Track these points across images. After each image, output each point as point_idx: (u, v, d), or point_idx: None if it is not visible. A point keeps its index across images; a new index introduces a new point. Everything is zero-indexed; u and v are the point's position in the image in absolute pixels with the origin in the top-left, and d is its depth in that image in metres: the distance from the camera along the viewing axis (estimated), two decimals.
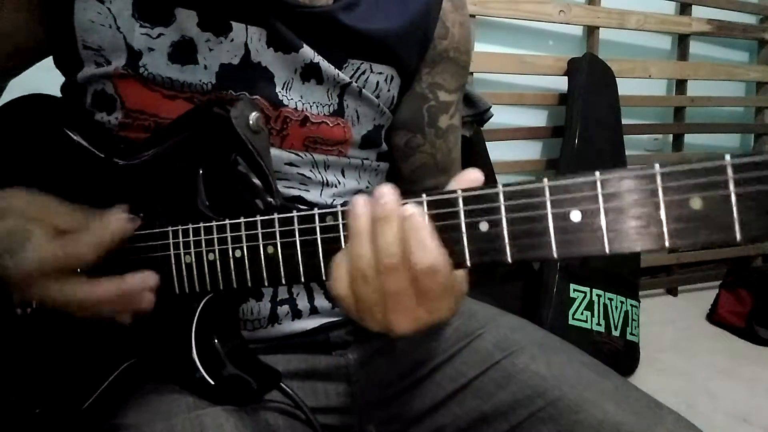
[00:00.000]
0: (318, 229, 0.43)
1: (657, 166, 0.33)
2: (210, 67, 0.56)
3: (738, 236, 0.31)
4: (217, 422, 0.49)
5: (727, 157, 0.31)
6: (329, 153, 0.63)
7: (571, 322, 1.50)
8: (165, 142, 0.53)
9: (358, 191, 0.66)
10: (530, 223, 0.36)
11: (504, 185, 0.37)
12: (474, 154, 1.44)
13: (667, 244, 0.33)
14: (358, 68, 0.62)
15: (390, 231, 0.38)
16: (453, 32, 0.67)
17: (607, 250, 0.34)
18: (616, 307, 1.60)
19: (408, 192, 0.40)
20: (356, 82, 0.62)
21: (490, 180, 1.64)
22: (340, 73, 0.60)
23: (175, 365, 0.52)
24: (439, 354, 0.62)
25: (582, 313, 1.53)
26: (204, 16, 0.55)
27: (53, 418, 0.54)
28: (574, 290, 1.52)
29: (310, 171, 0.62)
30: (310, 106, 0.60)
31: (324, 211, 0.43)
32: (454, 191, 0.38)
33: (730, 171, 0.31)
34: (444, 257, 0.38)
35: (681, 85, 2.05)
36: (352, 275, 0.39)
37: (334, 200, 0.64)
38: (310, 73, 0.60)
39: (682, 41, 2.04)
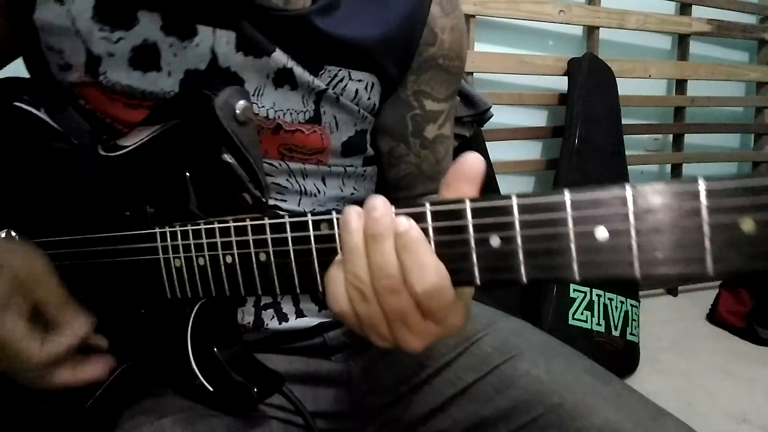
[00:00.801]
0: (312, 238, 0.40)
1: (701, 181, 0.29)
2: (174, 74, 0.54)
3: None
4: (210, 428, 0.48)
5: None
6: (307, 162, 0.60)
7: (571, 322, 1.50)
8: (148, 132, 0.51)
9: (341, 199, 0.63)
10: (549, 240, 0.32)
11: (519, 196, 0.33)
12: None
13: (710, 271, 0.29)
14: (336, 75, 0.58)
15: (384, 249, 0.35)
16: (442, 38, 0.63)
17: (637, 275, 0.31)
18: (616, 307, 1.60)
19: (405, 199, 0.37)
20: (333, 89, 0.58)
21: (490, 181, 1.62)
22: (315, 79, 0.57)
23: (172, 372, 0.50)
24: (439, 358, 0.62)
25: (582, 313, 1.53)
26: (168, 19, 0.52)
27: (57, 414, 0.54)
28: (574, 290, 1.52)
29: (287, 180, 0.59)
30: (284, 114, 0.57)
31: (318, 217, 0.40)
32: (462, 201, 0.34)
33: None
34: (446, 276, 0.35)
35: (681, 85, 2.04)
36: (350, 293, 0.37)
37: (314, 209, 0.61)
38: (283, 79, 0.56)
39: (682, 41, 2.04)
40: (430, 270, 0.34)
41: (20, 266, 0.47)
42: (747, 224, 0.28)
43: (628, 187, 0.30)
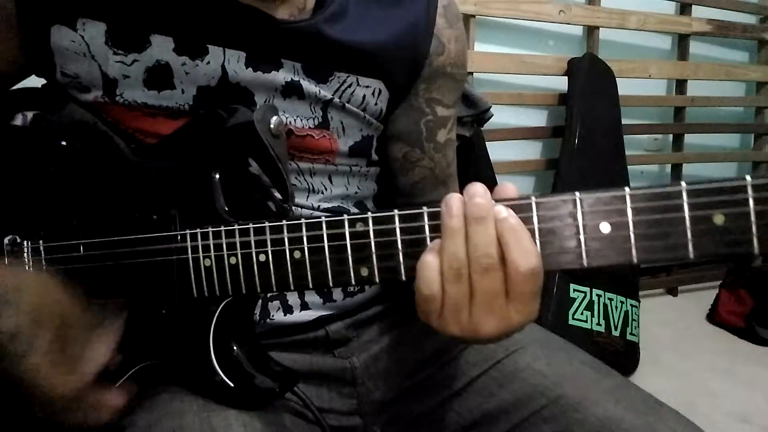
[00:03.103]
0: (348, 234, 0.43)
1: (683, 183, 0.35)
2: (187, 91, 0.55)
3: (756, 250, 0.34)
4: (226, 422, 0.49)
5: (748, 177, 0.34)
6: (315, 161, 0.62)
7: (571, 322, 1.50)
8: (180, 142, 0.53)
9: (346, 197, 0.66)
10: (563, 234, 0.39)
11: (536, 196, 0.39)
12: (474, 154, 1.44)
13: (692, 256, 0.35)
14: (344, 81, 0.60)
15: (486, 231, 0.38)
16: (449, 48, 0.67)
17: (635, 261, 0.37)
18: (616, 307, 1.60)
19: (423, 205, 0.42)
20: (340, 97, 0.61)
21: (490, 181, 1.63)
22: (321, 90, 0.59)
23: (192, 369, 0.52)
24: (443, 354, 0.63)
25: (582, 313, 1.53)
26: (180, 41, 0.54)
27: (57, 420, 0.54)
28: (574, 290, 1.52)
29: (296, 179, 0.61)
30: (294, 120, 0.59)
31: (353, 216, 0.43)
32: (528, 197, 0.39)
33: (750, 190, 0.34)
34: (541, 260, 0.39)
35: (681, 85, 2.05)
36: (445, 274, 0.39)
37: (320, 205, 0.63)
38: (291, 91, 0.58)
39: (682, 41, 2.04)
40: (532, 252, 0.38)
41: (40, 296, 0.47)
42: (718, 218, 0.35)
43: (626, 189, 0.37)
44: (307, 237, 0.45)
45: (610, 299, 1.59)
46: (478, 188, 0.39)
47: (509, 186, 0.41)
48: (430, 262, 0.40)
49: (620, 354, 1.57)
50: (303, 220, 0.45)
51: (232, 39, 0.55)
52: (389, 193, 0.73)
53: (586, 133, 1.69)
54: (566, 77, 1.76)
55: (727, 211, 0.34)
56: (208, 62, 0.55)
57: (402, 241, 0.42)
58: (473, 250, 0.39)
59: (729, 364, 1.64)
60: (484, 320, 0.40)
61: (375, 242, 0.43)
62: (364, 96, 0.62)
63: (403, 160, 0.70)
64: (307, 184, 0.62)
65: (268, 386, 0.50)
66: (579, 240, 0.38)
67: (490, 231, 0.38)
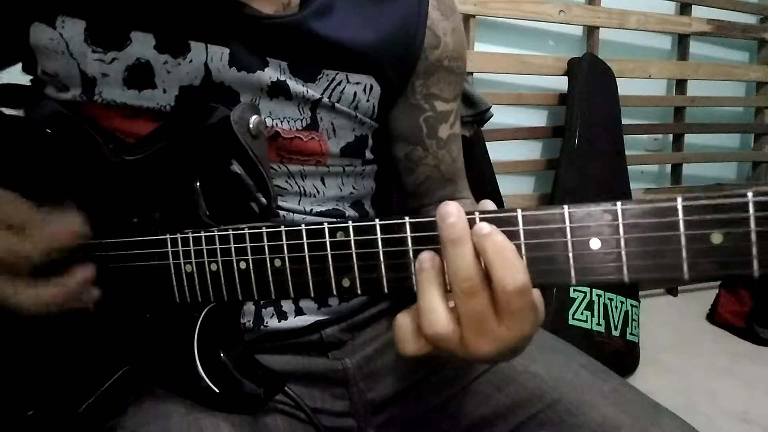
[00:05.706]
0: (328, 245, 0.42)
1: (679, 199, 0.33)
2: (169, 90, 0.54)
3: (756, 272, 0.32)
4: (214, 423, 0.48)
5: (750, 194, 0.31)
6: (306, 163, 0.60)
7: (571, 322, 1.50)
8: (158, 142, 0.52)
9: (341, 198, 0.64)
10: (550, 250, 0.36)
11: (523, 209, 0.37)
12: (474, 155, 1.44)
13: (686, 277, 0.33)
14: (333, 79, 0.58)
15: (465, 253, 0.36)
16: (445, 41, 0.64)
17: (626, 280, 0.35)
18: (616, 307, 1.60)
19: (426, 207, 0.39)
20: (330, 96, 0.58)
21: (490, 181, 1.61)
22: (309, 89, 0.57)
23: (178, 375, 0.51)
24: (439, 356, 0.62)
25: (582, 313, 1.52)
26: (161, 38, 0.53)
27: (47, 420, 0.54)
28: (574, 290, 1.52)
29: (286, 182, 0.59)
30: (281, 122, 0.57)
31: (334, 225, 0.41)
32: (514, 210, 0.37)
33: (751, 208, 0.31)
34: (529, 275, 0.36)
35: (681, 85, 2.04)
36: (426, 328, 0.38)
37: (312, 209, 0.61)
38: (277, 91, 0.56)
39: (682, 41, 2.04)
40: (520, 268, 0.35)
41: None
42: (716, 237, 0.32)
43: (618, 203, 0.34)
44: (287, 245, 0.43)
45: (610, 299, 1.59)
46: (451, 208, 0.36)
47: (488, 202, 0.40)
48: (402, 324, 0.39)
49: (620, 354, 1.57)
50: (283, 228, 0.43)
51: (214, 34, 0.53)
52: (391, 192, 0.72)
53: (586, 133, 1.68)
54: (566, 77, 1.76)
55: (726, 230, 0.32)
56: (191, 60, 0.53)
57: (384, 252, 0.40)
58: (453, 275, 0.36)
59: (729, 364, 1.64)
60: (477, 343, 0.37)
61: (356, 253, 0.41)
62: (355, 93, 0.60)
63: (406, 160, 0.69)
64: (298, 187, 0.60)
65: (253, 392, 0.49)
66: (567, 256, 0.36)
67: (470, 252, 0.36)
